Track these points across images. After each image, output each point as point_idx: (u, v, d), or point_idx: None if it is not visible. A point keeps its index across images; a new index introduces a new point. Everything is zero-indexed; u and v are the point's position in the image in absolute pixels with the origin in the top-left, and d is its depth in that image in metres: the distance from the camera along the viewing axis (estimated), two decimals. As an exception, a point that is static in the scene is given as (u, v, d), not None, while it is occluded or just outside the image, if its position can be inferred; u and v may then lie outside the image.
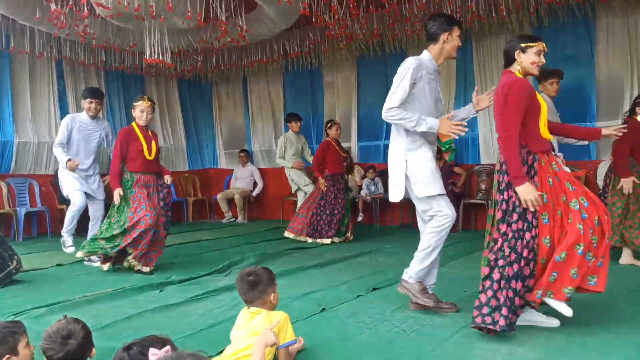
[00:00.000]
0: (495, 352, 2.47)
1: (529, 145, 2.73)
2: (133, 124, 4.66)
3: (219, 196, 8.90)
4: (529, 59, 2.77)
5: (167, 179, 4.71)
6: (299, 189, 7.18)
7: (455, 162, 7.12)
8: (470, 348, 2.55)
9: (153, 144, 4.62)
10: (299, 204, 6.95)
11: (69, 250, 4.92)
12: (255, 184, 8.97)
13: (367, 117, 8.16)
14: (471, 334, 2.73)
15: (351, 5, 5.55)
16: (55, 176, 7.21)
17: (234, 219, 8.74)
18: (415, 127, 3.01)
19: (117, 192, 4.48)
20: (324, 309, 3.25)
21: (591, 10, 6.09)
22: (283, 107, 9.05)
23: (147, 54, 5.64)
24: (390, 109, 3.04)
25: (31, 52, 6.95)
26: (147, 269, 4.48)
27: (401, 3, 5.99)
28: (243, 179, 8.98)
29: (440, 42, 3.13)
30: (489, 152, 7.05)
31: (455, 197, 6.68)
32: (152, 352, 1.29)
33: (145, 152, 4.55)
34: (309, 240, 6.13)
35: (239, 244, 6.08)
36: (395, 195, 3.16)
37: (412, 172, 3.09)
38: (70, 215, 4.91)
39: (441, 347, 2.56)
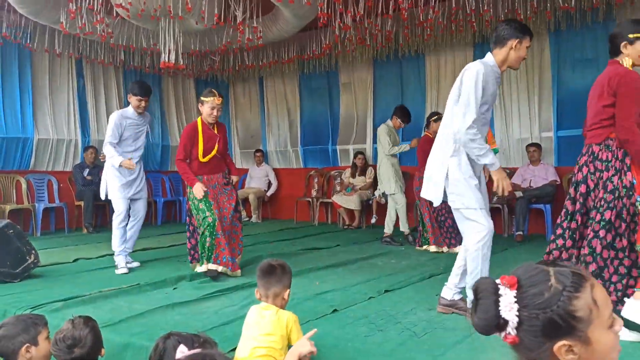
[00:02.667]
0: (506, 357, 2.45)
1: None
2: (198, 120, 4.30)
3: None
4: (637, 51, 2.54)
5: (234, 179, 4.51)
6: (384, 194, 6.40)
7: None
8: (482, 351, 2.53)
9: (216, 144, 4.28)
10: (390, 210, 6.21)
11: (121, 271, 4.46)
12: (269, 184, 9.00)
13: (382, 120, 8.12)
14: (483, 337, 2.72)
15: (365, 9, 5.54)
16: (73, 173, 7.36)
17: (248, 219, 8.79)
18: (480, 157, 2.78)
19: (199, 186, 4.13)
20: (335, 310, 3.25)
21: (607, 13, 5.99)
22: (299, 107, 9.08)
23: (164, 57, 5.67)
24: (470, 128, 2.73)
25: (53, 51, 7.08)
26: (211, 266, 4.12)
27: (416, 6, 5.97)
28: (258, 178, 9.02)
29: (507, 47, 2.86)
30: (506, 156, 7.00)
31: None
32: (180, 349, 1.30)
33: (200, 155, 4.23)
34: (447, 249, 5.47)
35: (252, 243, 6.10)
36: (435, 197, 2.99)
37: (451, 179, 2.91)
38: (119, 228, 4.57)
39: (452, 351, 2.54)
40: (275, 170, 9.16)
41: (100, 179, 7.30)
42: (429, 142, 5.40)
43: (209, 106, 4.18)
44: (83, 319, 1.95)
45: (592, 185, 2.61)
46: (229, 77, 9.53)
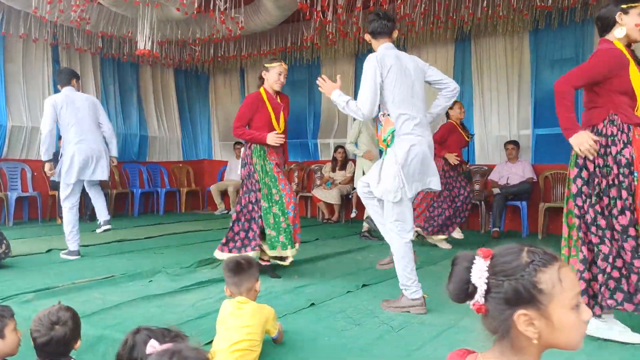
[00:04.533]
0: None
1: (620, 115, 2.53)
2: (261, 89, 4.00)
3: (212, 187, 8.88)
4: (633, 20, 2.51)
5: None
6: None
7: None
8: (458, 346, 2.54)
9: (282, 114, 4.01)
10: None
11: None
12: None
13: (363, 114, 8.16)
14: (459, 332, 2.74)
15: (346, 2, 5.53)
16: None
17: (226, 211, 8.73)
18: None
19: (273, 135, 3.87)
20: (313, 304, 3.24)
21: (582, 12, 6.07)
22: (280, 100, 9.03)
23: (140, 45, 5.57)
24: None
25: (26, 35, 6.88)
26: (292, 251, 3.94)
27: (394, 2, 5.98)
28: (237, 171, 8.95)
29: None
30: (484, 152, 7.07)
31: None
32: (151, 344, 1.27)
33: (274, 123, 3.94)
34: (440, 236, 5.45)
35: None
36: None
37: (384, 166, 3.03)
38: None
39: (429, 345, 2.56)
40: (255, 162, 9.09)
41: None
42: (453, 129, 5.51)
43: (275, 72, 3.91)
44: (67, 306, 1.93)
45: (602, 163, 2.53)
46: (210, 68, 9.42)
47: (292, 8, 6.08)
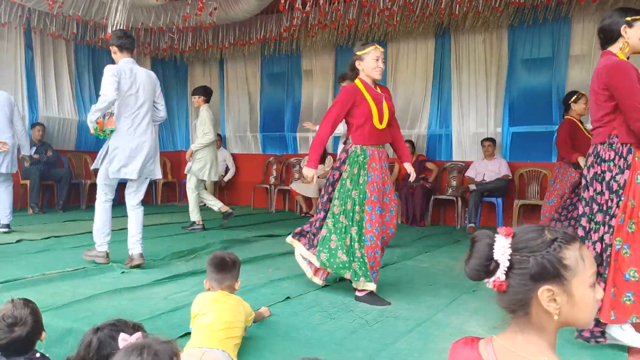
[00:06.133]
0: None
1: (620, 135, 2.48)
2: (356, 81, 3.40)
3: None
4: (637, 33, 2.47)
5: (407, 166, 3.58)
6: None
7: (427, 157, 7.18)
8: (432, 341, 2.57)
9: (385, 106, 3.37)
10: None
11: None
12: (227, 169, 8.86)
13: (342, 108, 8.14)
14: (433, 327, 2.76)
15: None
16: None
17: (203, 204, 8.62)
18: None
19: (314, 174, 3.37)
20: (288, 297, 3.23)
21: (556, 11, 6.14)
22: (259, 91, 8.96)
23: (109, 29, 5.43)
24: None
25: (3, 24, 6.68)
26: (372, 285, 3.21)
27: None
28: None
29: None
30: (462, 149, 7.13)
31: (425, 192, 6.75)
32: (123, 337, 1.24)
33: (375, 119, 3.31)
34: None
35: (207, 229, 6.00)
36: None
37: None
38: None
39: (403, 340, 2.57)
40: (233, 155, 9.02)
41: (48, 158, 7.03)
42: (575, 126, 4.75)
43: (371, 57, 3.31)
44: (22, 300, 1.85)
45: (598, 188, 2.56)
46: (188, 58, 9.28)
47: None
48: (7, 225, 5.30)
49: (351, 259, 3.20)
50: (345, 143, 3.47)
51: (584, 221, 2.59)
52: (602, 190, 2.53)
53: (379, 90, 3.41)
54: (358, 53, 3.36)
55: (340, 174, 3.35)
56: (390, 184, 3.44)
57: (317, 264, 3.35)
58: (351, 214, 3.24)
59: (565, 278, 0.99)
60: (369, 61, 3.32)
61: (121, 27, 5.37)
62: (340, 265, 3.21)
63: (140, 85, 3.93)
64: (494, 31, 6.79)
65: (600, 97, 2.53)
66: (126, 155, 3.92)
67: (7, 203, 5.37)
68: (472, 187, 6.44)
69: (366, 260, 3.18)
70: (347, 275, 3.21)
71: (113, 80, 3.74)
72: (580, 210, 2.62)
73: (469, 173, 6.74)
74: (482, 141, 6.70)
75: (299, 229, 3.61)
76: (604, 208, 2.51)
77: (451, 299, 3.31)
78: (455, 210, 6.74)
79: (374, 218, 3.22)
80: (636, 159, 2.47)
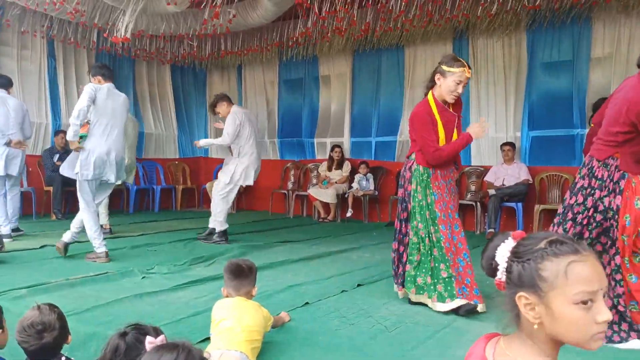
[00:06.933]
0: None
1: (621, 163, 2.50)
2: (429, 97, 3.16)
3: (207, 185, 8.82)
4: None
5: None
6: None
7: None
8: (451, 347, 2.55)
9: (455, 128, 3.19)
10: None
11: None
12: (245, 175, 8.89)
13: (359, 113, 8.16)
14: (452, 333, 2.74)
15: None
16: (42, 157, 7.17)
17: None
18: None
19: (476, 126, 3.23)
20: (307, 303, 3.24)
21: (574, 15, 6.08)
22: (277, 97, 9.01)
23: (119, 33, 5.50)
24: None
25: (25, 32, 6.83)
26: (459, 301, 3.05)
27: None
28: (233, 168, 8.90)
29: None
30: (480, 153, 7.07)
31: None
32: (149, 339, 1.26)
33: (441, 140, 3.14)
34: None
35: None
36: None
37: None
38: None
39: (422, 346, 2.56)
40: (251, 160, 9.06)
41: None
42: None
43: (454, 79, 3.03)
44: (48, 305, 1.89)
45: (580, 200, 2.59)
46: (207, 65, 9.38)
47: (289, 3, 6.07)
48: (17, 229, 5.53)
49: (435, 281, 3.10)
50: (408, 158, 3.27)
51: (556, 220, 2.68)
52: (583, 203, 2.58)
53: (451, 108, 3.19)
54: (444, 68, 3.07)
55: (409, 194, 3.22)
56: (455, 203, 3.24)
57: (414, 297, 3.18)
58: (429, 235, 3.13)
59: (540, 289, 0.98)
60: (450, 82, 3.05)
61: (128, 29, 5.48)
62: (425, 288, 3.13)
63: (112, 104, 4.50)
64: (513, 34, 6.73)
65: (620, 128, 2.47)
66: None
67: (17, 208, 5.60)
68: (492, 191, 6.38)
69: (453, 279, 3.04)
70: (434, 299, 3.09)
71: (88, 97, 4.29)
72: (559, 210, 2.67)
73: (488, 177, 6.68)
74: (501, 145, 6.63)
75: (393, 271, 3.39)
76: (578, 220, 2.58)
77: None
78: (475, 215, 6.67)
79: (450, 236, 3.09)
80: (632, 184, 2.48)
